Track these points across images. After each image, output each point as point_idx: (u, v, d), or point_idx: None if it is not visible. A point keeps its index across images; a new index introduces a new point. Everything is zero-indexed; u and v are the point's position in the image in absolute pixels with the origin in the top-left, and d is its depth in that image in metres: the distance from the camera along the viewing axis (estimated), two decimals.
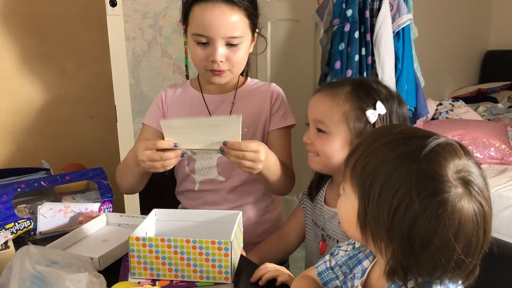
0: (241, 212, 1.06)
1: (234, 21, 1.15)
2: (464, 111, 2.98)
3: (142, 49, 2.84)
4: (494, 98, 3.46)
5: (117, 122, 1.60)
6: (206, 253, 0.91)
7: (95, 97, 1.55)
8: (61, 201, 1.27)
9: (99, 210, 1.24)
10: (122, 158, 1.63)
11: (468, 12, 3.62)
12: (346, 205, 0.72)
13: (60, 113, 1.49)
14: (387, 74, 2.20)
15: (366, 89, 1.04)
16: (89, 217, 1.19)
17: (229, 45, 1.17)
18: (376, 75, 2.24)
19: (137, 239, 0.91)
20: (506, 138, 2.47)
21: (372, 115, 1.01)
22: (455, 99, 3.24)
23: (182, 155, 1.07)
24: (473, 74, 3.88)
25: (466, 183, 0.62)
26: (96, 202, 1.25)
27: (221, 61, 1.17)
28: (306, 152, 1.12)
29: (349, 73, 2.24)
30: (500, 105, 3.30)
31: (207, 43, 1.16)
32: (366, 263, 0.80)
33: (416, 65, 2.40)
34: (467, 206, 0.61)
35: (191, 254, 0.91)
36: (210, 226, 1.08)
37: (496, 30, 3.86)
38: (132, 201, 1.80)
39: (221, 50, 1.16)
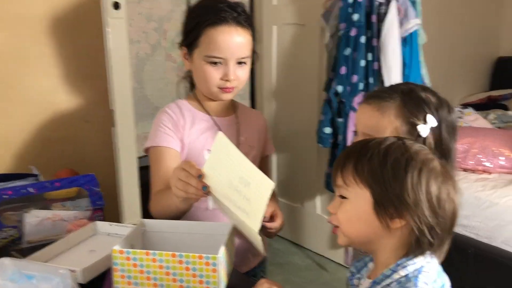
0: (232, 224, 1.01)
1: (246, 42, 1.23)
2: (474, 118, 2.90)
3: (146, 53, 2.82)
4: (505, 106, 3.38)
5: (113, 127, 1.56)
6: (193, 268, 0.86)
7: (91, 101, 1.52)
8: (51, 209, 1.23)
9: (89, 218, 1.20)
10: (120, 163, 1.59)
11: (479, 18, 3.56)
12: (356, 205, 0.78)
13: (54, 117, 1.45)
14: (393, 80, 2.14)
15: (417, 101, 1.01)
16: (78, 225, 1.16)
17: (239, 63, 1.23)
18: (382, 81, 2.19)
19: (121, 252, 0.87)
20: None
21: (423, 130, 0.98)
22: (465, 106, 3.16)
23: (203, 189, 0.98)
24: (484, 80, 3.80)
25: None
26: (87, 210, 1.22)
27: (233, 79, 1.22)
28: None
29: (355, 78, 2.20)
30: (511, 112, 3.22)
31: (219, 63, 1.21)
32: (371, 265, 0.87)
33: (424, 71, 2.35)
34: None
35: (177, 269, 0.86)
36: (200, 239, 1.03)
37: (507, 36, 3.77)
38: (133, 205, 1.75)
39: (234, 69, 1.22)
